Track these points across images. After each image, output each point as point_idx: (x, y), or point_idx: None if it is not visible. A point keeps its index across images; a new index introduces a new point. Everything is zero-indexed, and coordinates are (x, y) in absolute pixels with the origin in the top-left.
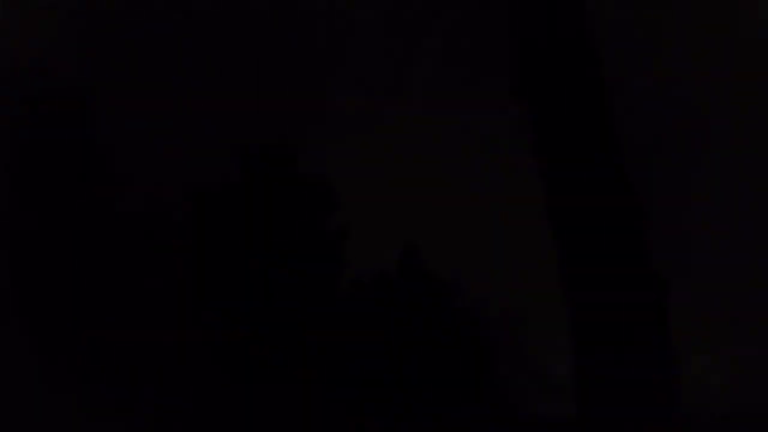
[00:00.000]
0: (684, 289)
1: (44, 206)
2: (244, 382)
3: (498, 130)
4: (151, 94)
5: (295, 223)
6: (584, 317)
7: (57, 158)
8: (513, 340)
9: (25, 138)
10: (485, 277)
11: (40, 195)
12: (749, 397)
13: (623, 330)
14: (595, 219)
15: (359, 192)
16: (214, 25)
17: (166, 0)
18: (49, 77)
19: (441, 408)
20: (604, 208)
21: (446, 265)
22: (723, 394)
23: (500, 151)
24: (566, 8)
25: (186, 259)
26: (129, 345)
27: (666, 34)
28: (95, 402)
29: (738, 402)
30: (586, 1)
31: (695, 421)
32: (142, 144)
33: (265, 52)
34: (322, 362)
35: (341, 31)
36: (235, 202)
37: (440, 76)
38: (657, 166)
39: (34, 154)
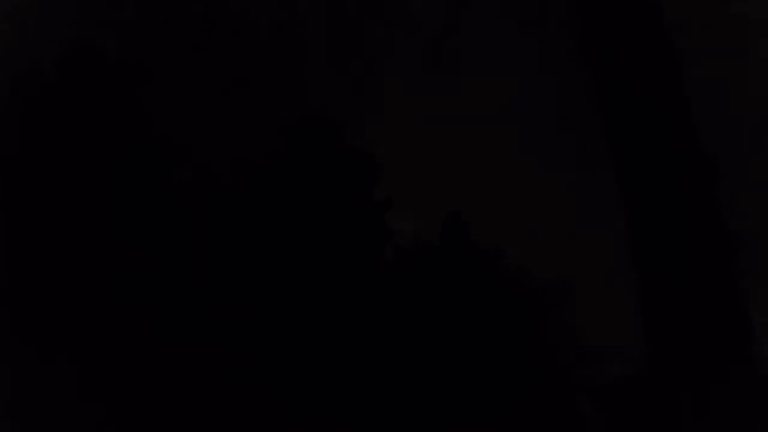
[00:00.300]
0: (760, 248)
1: (94, 182)
2: (292, 351)
3: (544, 97)
4: (197, 71)
5: (338, 196)
6: (656, 280)
7: (106, 135)
8: (558, 308)
9: (75, 116)
10: (530, 246)
11: (90, 171)
12: None
13: (696, 292)
14: (667, 178)
15: (402, 164)
16: (256, 2)
17: None
18: (98, 54)
19: (486, 376)
20: (675, 168)
21: (490, 235)
22: None
23: (546, 119)
24: None
25: (232, 232)
26: (178, 316)
27: None
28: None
29: None
30: None
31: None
32: (189, 121)
33: (306, 28)
34: (368, 332)
35: (383, 3)
36: (279, 176)
37: (488, 42)
38: (729, 127)
39: (83, 131)
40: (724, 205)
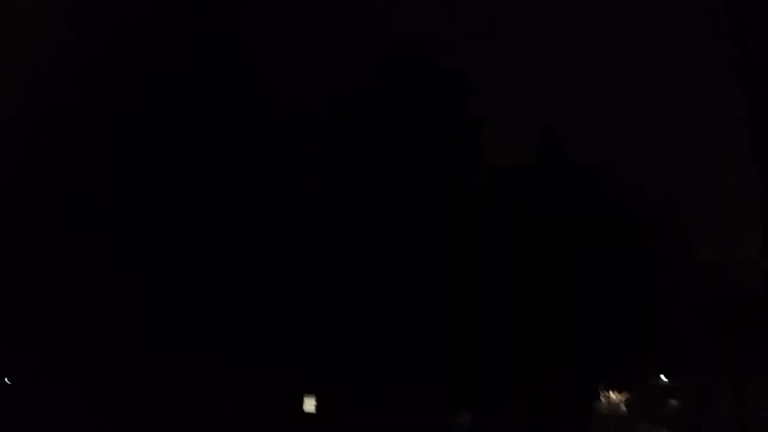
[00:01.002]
0: None
1: (195, 119)
2: (396, 271)
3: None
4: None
5: (431, 116)
6: None
7: (206, 74)
8: (661, 226)
9: (174, 54)
10: (632, 163)
11: (189, 109)
12: None
13: None
14: None
15: (494, 81)
16: None
17: None
18: None
19: (588, 293)
20: None
21: (587, 152)
22: None
23: (654, 24)
24: None
25: (328, 156)
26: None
27: None
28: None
29: None
30: None
31: None
32: (282, 49)
33: None
34: (466, 250)
35: None
36: (373, 99)
37: None
38: None
39: (182, 70)
40: None
